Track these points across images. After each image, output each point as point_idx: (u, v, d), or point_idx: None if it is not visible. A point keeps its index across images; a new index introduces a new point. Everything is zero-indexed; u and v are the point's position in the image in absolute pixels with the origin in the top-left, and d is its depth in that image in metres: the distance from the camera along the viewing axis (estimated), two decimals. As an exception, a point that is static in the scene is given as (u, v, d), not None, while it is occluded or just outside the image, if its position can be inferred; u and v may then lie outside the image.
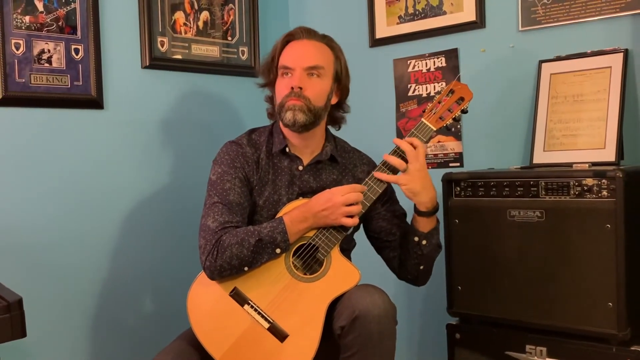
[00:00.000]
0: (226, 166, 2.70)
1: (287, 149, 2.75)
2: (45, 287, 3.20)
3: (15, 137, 3.12)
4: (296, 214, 2.57)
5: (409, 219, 2.81)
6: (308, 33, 2.77)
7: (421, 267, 2.78)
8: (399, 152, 2.61)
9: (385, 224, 2.82)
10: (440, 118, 2.67)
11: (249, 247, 2.50)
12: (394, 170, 2.61)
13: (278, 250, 2.54)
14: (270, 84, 2.80)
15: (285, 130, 2.76)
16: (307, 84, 2.68)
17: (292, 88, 2.66)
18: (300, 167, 2.76)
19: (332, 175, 2.80)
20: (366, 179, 2.62)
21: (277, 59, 2.74)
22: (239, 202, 2.64)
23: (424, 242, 2.69)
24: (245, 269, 2.53)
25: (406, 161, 2.59)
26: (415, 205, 2.66)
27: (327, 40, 2.79)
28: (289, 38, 2.76)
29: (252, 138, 2.80)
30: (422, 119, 2.67)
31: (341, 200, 2.52)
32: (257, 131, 2.84)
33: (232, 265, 2.51)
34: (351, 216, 2.55)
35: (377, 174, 2.60)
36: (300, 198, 2.71)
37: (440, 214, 3.00)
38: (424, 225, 2.68)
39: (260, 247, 2.51)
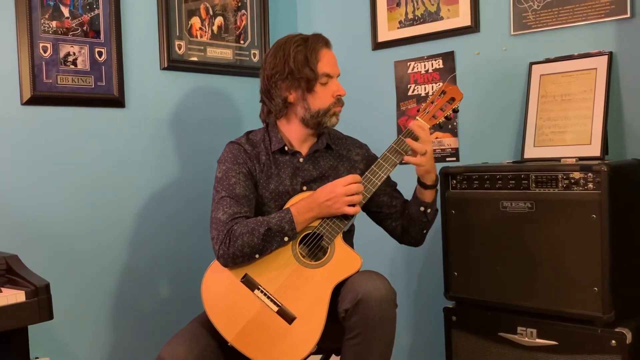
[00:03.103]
0: (230, 163, 2.71)
1: (285, 148, 2.76)
2: (70, 273, 3.20)
3: (43, 133, 3.12)
4: (302, 205, 2.58)
5: (407, 192, 2.87)
6: (326, 39, 2.82)
7: (424, 232, 2.85)
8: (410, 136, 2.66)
9: (386, 198, 2.85)
10: (433, 116, 2.70)
11: (259, 235, 2.50)
12: (399, 157, 2.64)
13: (286, 239, 2.55)
14: (298, 88, 2.71)
15: (289, 129, 2.79)
16: None
17: (339, 96, 2.75)
18: (301, 159, 2.77)
19: (329, 162, 2.82)
20: (366, 173, 2.64)
21: (315, 65, 2.69)
22: (245, 195, 2.65)
23: (429, 210, 2.76)
24: (257, 256, 2.54)
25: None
26: (423, 182, 2.72)
27: None
28: (323, 44, 2.77)
29: (249, 137, 2.82)
30: (417, 117, 2.70)
31: (343, 191, 2.54)
32: (252, 132, 2.86)
33: (244, 253, 2.51)
34: (353, 205, 2.56)
35: (408, 158, 2.63)
36: (304, 188, 2.73)
37: (437, 206, 3.01)
38: (430, 196, 2.75)
39: (270, 235, 2.52)
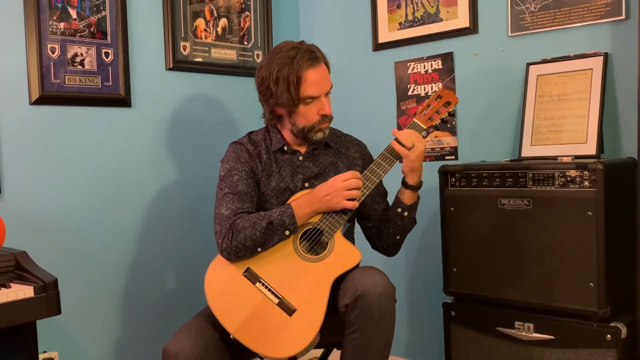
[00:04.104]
0: (233, 162, 2.73)
1: (284, 147, 2.78)
2: (78, 268, 3.21)
3: (51, 132, 3.13)
4: (302, 200, 2.60)
5: (391, 197, 2.85)
6: (316, 54, 2.69)
7: (397, 237, 2.80)
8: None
9: (368, 200, 2.78)
10: (429, 119, 2.71)
11: (260, 229, 2.52)
12: (397, 156, 2.63)
13: (287, 232, 2.56)
14: (285, 106, 2.69)
15: (285, 133, 2.80)
16: (329, 105, 2.73)
17: (326, 115, 2.71)
18: (301, 158, 2.79)
19: (328, 159, 2.83)
20: (365, 171, 2.64)
21: (297, 90, 2.63)
22: (247, 192, 2.67)
23: (405, 213, 2.72)
24: (259, 249, 2.55)
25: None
26: (405, 180, 2.69)
27: (318, 50, 2.74)
28: (309, 65, 2.65)
29: (251, 137, 2.84)
30: (414, 119, 2.71)
31: (342, 186, 2.55)
32: (254, 132, 2.87)
33: (246, 246, 2.53)
34: (353, 199, 2.57)
35: (394, 143, 2.61)
36: (307, 185, 2.75)
37: (436, 203, 3.03)
38: (409, 198, 2.71)
39: (271, 229, 2.54)
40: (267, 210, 2.68)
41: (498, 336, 2.88)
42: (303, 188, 2.74)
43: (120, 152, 3.37)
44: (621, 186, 2.72)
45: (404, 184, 2.70)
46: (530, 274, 2.77)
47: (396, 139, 2.62)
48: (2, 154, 2.98)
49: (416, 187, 2.71)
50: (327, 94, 2.72)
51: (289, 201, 2.64)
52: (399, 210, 2.73)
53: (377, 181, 2.62)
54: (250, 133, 2.87)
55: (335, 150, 2.86)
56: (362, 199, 2.61)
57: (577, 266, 2.64)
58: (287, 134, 2.79)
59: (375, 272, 2.47)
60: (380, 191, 2.89)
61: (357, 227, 2.91)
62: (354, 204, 2.57)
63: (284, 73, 2.63)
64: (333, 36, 4.09)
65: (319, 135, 2.73)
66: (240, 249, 2.54)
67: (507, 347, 2.86)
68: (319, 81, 2.68)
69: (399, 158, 2.63)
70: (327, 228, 2.58)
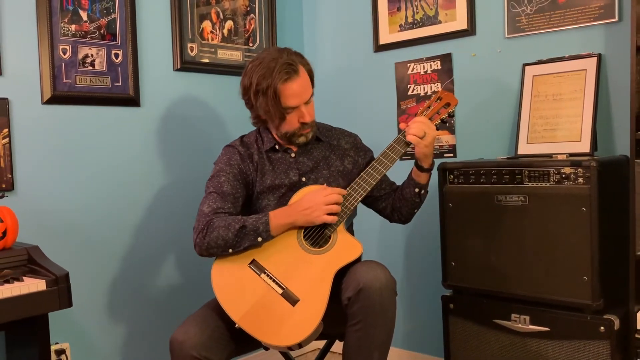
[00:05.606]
0: (223, 164, 2.75)
1: (276, 146, 2.79)
2: (88, 262, 3.22)
3: (62, 131, 3.14)
4: (281, 211, 2.61)
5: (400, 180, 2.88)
6: (293, 67, 2.62)
7: (415, 211, 2.86)
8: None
9: (375, 186, 2.78)
10: (429, 119, 2.71)
11: (233, 231, 2.53)
12: (405, 146, 2.67)
13: (259, 239, 2.56)
14: (270, 117, 2.68)
15: (275, 133, 2.80)
16: (310, 112, 2.71)
17: (306, 122, 2.69)
18: (293, 155, 2.79)
19: (321, 153, 2.84)
20: (373, 162, 2.66)
21: (278, 102, 2.60)
22: (231, 193, 2.68)
23: (422, 191, 2.78)
24: (230, 250, 2.57)
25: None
26: (419, 164, 2.72)
27: (299, 58, 2.69)
28: (287, 78, 2.60)
29: (243, 140, 2.85)
30: (415, 119, 2.70)
31: (323, 200, 2.56)
32: (246, 135, 2.88)
33: (217, 245, 2.55)
34: (333, 214, 2.58)
35: (408, 136, 2.63)
36: (303, 179, 2.76)
37: (435, 199, 3.03)
38: (425, 178, 2.76)
39: (244, 232, 2.54)
40: (263, 207, 2.72)
41: (495, 328, 2.88)
42: (300, 182, 2.75)
43: (129, 150, 3.38)
44: (614, 183, 2.72)
45: (420, 168, 2.73)
46: (526, 267, 2.77)
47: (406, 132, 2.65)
48: (16, 152, 2.99)
49: (431, 169, 2.76)
50: (307, 102, 2.68)
51: (292, 199, 2.66)
52: (417, 190, 2.77)
53: (385, 171, 2.65)
54: (243, 136, 2.88)
55: (327, 144, 2.86)
56: (369, 189, 2.64)
57: (572, 260, 2.65)
58: (276, 135, 2.80)
59: (377, 266, 2.48)
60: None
61: (357, 224, 2.91)
62: (334, 219, 2.57)
63: (262, 86, 2.59)
64: (336, 38, 4.09)
65: (302, 139, 2.74)
66: (211, 246, 2.56)
67: (504, 339, 2.86)
68: (297, 93, 2.63)
69: (406, 148, 2.67)
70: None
